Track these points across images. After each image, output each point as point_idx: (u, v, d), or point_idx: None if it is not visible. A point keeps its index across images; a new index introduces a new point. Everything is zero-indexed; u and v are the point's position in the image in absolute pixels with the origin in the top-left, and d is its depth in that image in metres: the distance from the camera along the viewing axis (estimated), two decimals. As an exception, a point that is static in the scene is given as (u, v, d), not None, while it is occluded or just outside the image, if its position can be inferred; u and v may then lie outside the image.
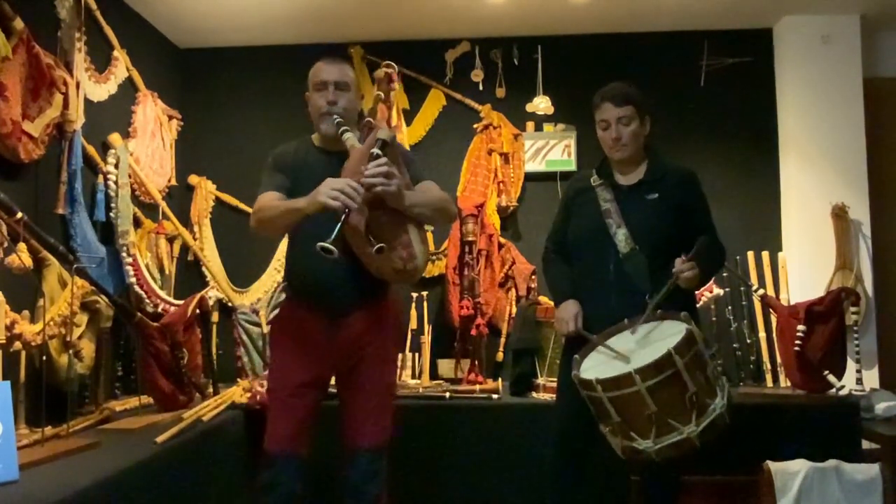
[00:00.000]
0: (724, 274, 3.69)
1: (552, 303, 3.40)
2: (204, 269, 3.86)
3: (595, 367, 2.14)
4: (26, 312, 2.41)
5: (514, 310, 3.70)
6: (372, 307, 2.29)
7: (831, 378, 3.19)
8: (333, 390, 2.42)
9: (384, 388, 2.33)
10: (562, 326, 2.36)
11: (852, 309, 3.33)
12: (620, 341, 2.19)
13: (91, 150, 3.06)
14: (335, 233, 1.91)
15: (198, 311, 3.21)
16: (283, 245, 3.91)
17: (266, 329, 3.71)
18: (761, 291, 3.59)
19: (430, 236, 3.97)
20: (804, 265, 3.76)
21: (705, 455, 2.03)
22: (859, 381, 3.38)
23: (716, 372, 2.08)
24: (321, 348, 2.26)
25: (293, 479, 2.23)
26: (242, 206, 4.00)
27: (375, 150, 2.07)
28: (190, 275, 3.85)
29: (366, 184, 2.02)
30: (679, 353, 1.96)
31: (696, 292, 3.11)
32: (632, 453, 2.05)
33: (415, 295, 3.84)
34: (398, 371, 3.62)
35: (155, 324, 2.94)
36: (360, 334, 2.26)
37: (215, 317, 3.74)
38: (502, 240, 3.87)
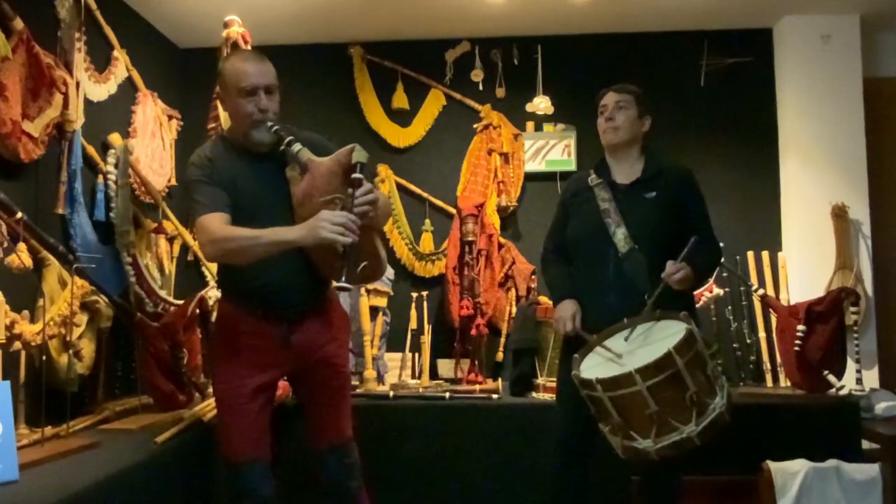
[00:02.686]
0: (724, 274, 3.69)
1: (552, 303, 3.42)
2: (204, 269, 3.86)
3: (595, 366, 2.14)
4: (26, 312, 2.41)
5: (514, 310, 3.70)
6: (320, 308, 2.30)
7: (831, 378, 3.19)
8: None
9: (343, 383, 2.36)
10: (560, 326, 2.37)
11: (852, 309, 3.33)
12: (619, 341, 2.20)
13: (91, 150, 3.06)
14: (346, 271, 1.95)
15: (198, 311, 3.20)
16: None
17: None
18: (761, 291, 3.60)
19: (429, 236, 3.99)
20: (804, 265, 3.76)
21: (705, 455, 2.04)
22: (859, 380, 3.38)
23: (715, 371, 2.07)
24: (275, 354, 2.23)
25: (263, 484, 2.21)
26: (242, 206, 4.00)
27: (359, 175, 2.03)
28: (190, 275, 3.84)
29: (359, 213, 2.00)
30: (679, 353, 1.96)
31: (696, 292, 3.13)
32: (632, 453, 2.05)
33: (415, 295, 3.84)
34: (398, 371, 3.64)
35: (155, 324, 2.94)
36: (314, 336, 2.26)
37: (215, 317, 3.73)
38: (502, 240, 3.87)
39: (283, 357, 2.24)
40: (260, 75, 2.14)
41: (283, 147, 2.15)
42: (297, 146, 2.14)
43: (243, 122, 2.17)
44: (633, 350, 2.12)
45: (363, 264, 2.06)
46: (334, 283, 1.96)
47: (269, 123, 2.15)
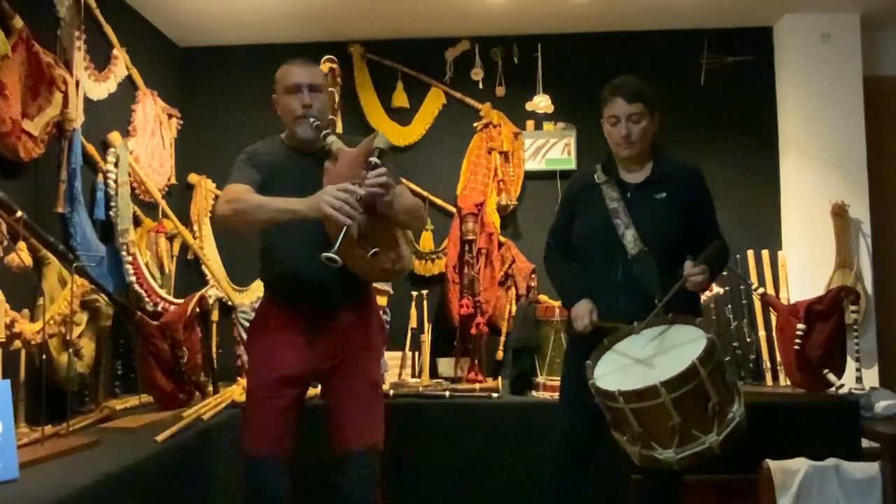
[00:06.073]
0: (724, 273, 3.68)
1: (553, 301, 3.41)
2: (204, 267, 3.86)
3: (611, 373, 2.11)
4: (26, 311, 2.41)
5: (514, 308, 3.70)
6: (355, 306, 2.29)
7: (831, 377, 3.19)
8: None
9: (370, 387, 2.31)
10: (578, 322, 2.29)
11: (852, 308, 3.33)
12: (634, 345, 2.16)
13: (91, 148, 3.06)
14: (338, 243, 1.93)
15: (198, 309, 3.21)
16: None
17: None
18: (761, 290, 3.59)
19: (429, 235, 3.99)
20: (804, 264, 3.76)
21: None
22: (859, 379, 3.38)
23: (733, 378, 2.06)
24: (302, 348, 2.25)
25: (277, 483, 2.22)
26: (242, 204, 4.00)
27: (374, 160, 2.08)
28: (190, 273, 3.85)
29: (366, 194, 2.01)
30: (703, 364, 1.93)
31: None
32: (651, 462, 2.02)
33: (415, 294, 3.84)
34: (398, 370, 3.64)
35: (155, 322, 2.94)
36: (343, 333, 2.26)
37: (215, 315, 3.74)
38: (502, 238, 3.87)
39: (310, 352, 2.25)
40: (304, 74, 2.27)
41: (323, 139, 2.23)
42: (330, 137, 2.21)
43: (289, 119, 2.29)
44: (650, 356, 2.09)
45: (373, 250, 2.04)
46: (323, 254, 1.91)
47: (312, 119, 2.24)
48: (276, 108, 2.35)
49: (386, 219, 2.16)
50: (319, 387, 2.43)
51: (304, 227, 2.10)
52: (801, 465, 2.79)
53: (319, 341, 2.25)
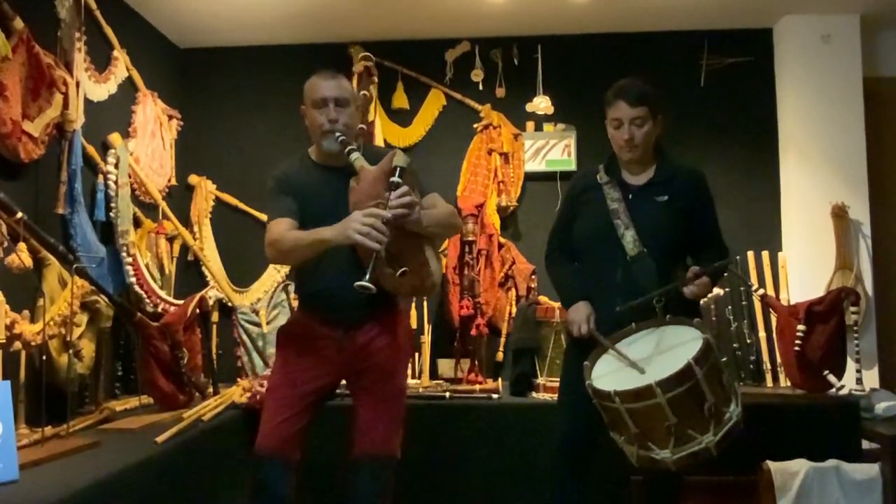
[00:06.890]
0: (724, 274, 3.69)
1: (553, 302, 3.41)
2: (204, 268, 3.86)
3: (608, 374, 2.11)
4: (26, 312, 2.41)
5: (514, 309, 3.70)
6: (383, 316, 2.31)
7: (831, 378, 3.19)
8: (338, 390, 2.43)
9: (395, 392, 2.32)
10: (574, 329, 2.31)
11: (852, 309, 3.33)
12: (632, 346, 2.17)
13: (91, 149, 3.07)
14: (370, 270, 1.93)
15: (198, 310, 3.21)
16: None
17: (266, 328, 3.72)
18: (761, 291, 3.59)
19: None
20: (804, 265, 3.76)
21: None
22: (859, 380, 3.38)
23: (729, 379, 2.06)
24: (331, 357, 2.27)
25: (281, 482, 2.22)
26: (242, 205, 4.01)
27: (396, 179, 2.07)
28: (190, 275, 3.85)
29: (392, 215, 2.02)
30: (698, 364, 1.93)
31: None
32: (648, 462, 2.03)
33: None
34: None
35: (155, 323, 2.94)
36: (370, 341, 2.28)
37: (215, 317, 3.74)
38: (502, 239, 3.87)
39: (338, 360, 2.27)
40: (331, 88, 2.28)
41: (346, 155, 2.22)
42: (354, 154, 2.20)
43: (316, 133, 2.30)
44: (647, 357, 2.10)
45: (402, 269, 2.04)
46: (356, 283, 1.93)
47: (337, 134, 2.23)
48: (304, 120, 2.35)
49: (415, 236, 2.16)
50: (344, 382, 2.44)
51: (334, 247, 2.11)
52: (801, 466, 2.79)
53: (347, 350, 2.27)
